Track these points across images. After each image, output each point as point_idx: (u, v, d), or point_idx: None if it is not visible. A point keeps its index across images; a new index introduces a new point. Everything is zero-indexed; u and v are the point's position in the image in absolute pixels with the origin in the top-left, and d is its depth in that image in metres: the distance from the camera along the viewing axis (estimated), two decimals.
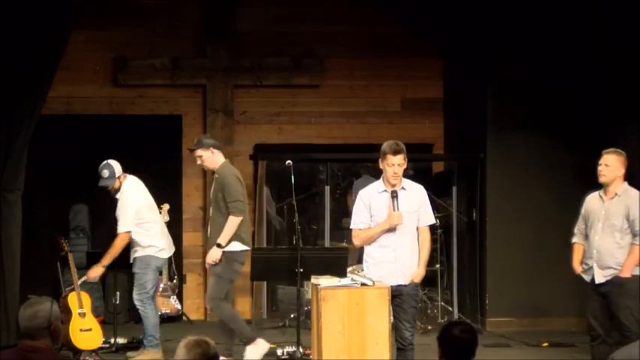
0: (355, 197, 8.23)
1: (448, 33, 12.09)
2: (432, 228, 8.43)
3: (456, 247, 11.65)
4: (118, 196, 9.67)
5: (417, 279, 8.00)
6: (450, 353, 4.90)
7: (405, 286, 7.91)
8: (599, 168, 8.29)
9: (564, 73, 11.07)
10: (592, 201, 8.40)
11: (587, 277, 8.31)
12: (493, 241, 11.46)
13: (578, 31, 10.34)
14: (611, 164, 8.25)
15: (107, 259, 9.54)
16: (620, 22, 9.74)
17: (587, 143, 11.08)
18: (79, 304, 9.57)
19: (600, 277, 8.20)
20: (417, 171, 11.60)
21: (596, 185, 8.45)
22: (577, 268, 8.43)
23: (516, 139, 11.43)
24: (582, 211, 8.46)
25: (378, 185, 8.01)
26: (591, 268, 8.26)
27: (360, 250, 10.39)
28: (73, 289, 9.62)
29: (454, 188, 11.67)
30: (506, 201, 11.45)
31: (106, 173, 9.58)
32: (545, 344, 10.54)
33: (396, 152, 7.82)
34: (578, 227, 8.49)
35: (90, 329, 9.51)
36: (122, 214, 9.61)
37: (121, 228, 9.59)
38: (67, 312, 9.43)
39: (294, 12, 12.15)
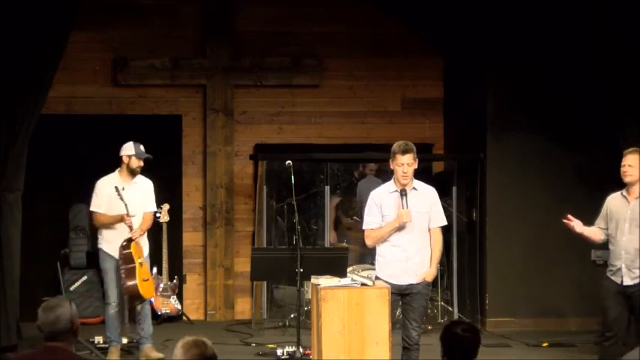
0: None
1: (448, 33, 12.09)
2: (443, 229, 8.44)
3: (456, 247, 11.65)
4: (137, 179, 9.65)
5: (429, 278, 8.08)
6: (452, 352, 4.89)
7: (415, 284, 7.94)
8: (623, 169, 8.21)
9: (564, 73, 11.07)
10: (615, 201, 8.31)
11: (616, 279, 8.23)
12: (493, 241, 11.46)
13: (577, 31, 10.34)
14: (634, 164, 8.18)
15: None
16: (620, 22, 9.75)
17: (587, 143, 11.12)
18: (139, 253, 9.49)
19: (628, 280, 8.14)
20: (417, 171, 11.59)
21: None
22: (579, 224, 8.36)
23: (516, 139, 11.43)
24: (604, 211, 8.35)
25: (389, 185, 8.07)
26: (620, 269, 8.18)
27: (361, 250, 10.42)
28: (131, 240, 9.41)
29: (454, 188, 11.66)
30: (506, 201, 11.45)
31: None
32: (545, 344, 10.54)
33: (404, 152, 7.89)
34: (598, 225, 8.43)
35: (147, 279, 9.52)
36: (151, 196, 9.71)
37: (153, 207, 9.72)
38: (129, 262, 9.38)
39: (294, 12, 12.15)
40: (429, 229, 8.05)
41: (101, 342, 9.99)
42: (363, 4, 12.18)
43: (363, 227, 8.16)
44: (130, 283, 9.32)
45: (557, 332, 11.03)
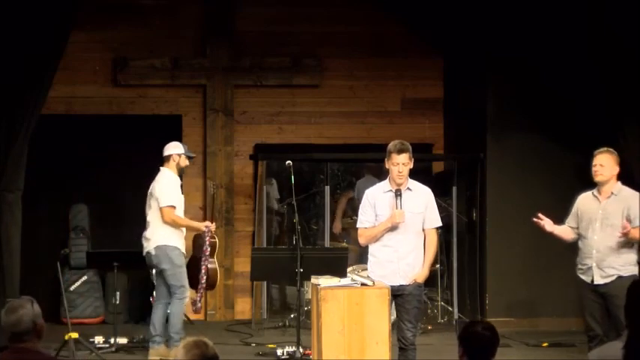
0: (356, 198, 8.25)
1: (448, 33, 12.09)
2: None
3: (456, 247, 11.65)
4: None
5: (420, 279, 8.00)
6: (472, 351, 4.85)
7: (407, 285, 7.91)
8: (595, 168, 8.29)
9: (564, 73, 11.07)
10: (586, 201, 8.38)
11: (586, 278, 8.27)
12: (493, 241, 11.46)
13: (577, 31, 10.34)
14: (605, 163, 8.26)
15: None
16: (620, 22, 9.74)
17: (587, 143, 11.06)
18: None
19: (599, 278, 8.18)
20: (417, 171, 11.58)
21: (597, 185, 8.45)
22: (549, 223, 8.41)
23: (516, 139, 11.43)
24: (574, 210, 8.42)
25: (384, 185, 8.03)
26: (590, 268, 8.23)
27: (360, 250, 10.42)
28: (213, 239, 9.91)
29: (454, 188, 11.66)
30: (506, 201, 11.45)
31: None
32: (545, 344, 10.54)
33: (400, 151, 7.84)
34: (568, 224, 8.47)
35: None
36: None
37: None
38: (213, 253, 9.92)
39: (294, 12, 12.15)
40: (424, 230, 8.01)
41: (101, 342, 9.99)
42: (363, 4, 12.18)
43: (357, 226, 8.15)
44: (214, 271, 9.75)
45: (557, 332, 11.02)
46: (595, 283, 8.19)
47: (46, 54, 9.69)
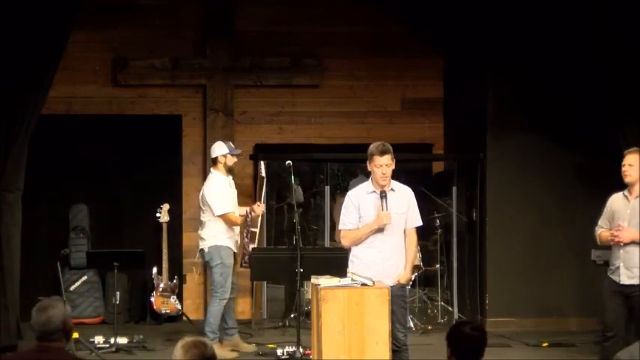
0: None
1: (448, 33, 12.10)
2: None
3: (456, 247, 11.65)
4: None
5: (403, 280, 7.96)
6: (459, 351, 4.85)
7: (391, 287, 7.88)
8: (624, 168, 8.21)
9: (564, 73, 11.08)
10: (617, 201, 8.30)
11: (615, 278, 8.20)
12: (493, 241, 11.46)
13: (577, 31, 10.34)
14: (635, 163, 8.18)
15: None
16: (620, 22, 9.75)
17: (588, 143, 11.12)
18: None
19: (626, 279, 8.11)
20: (417, 171, 11.60)
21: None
22: (607, 234, 8.26)
23: (516, 139, 11.43)
24: (606, 209, 8.33)
25: (367, 186, 7.99)
26: (618, 268, 8.16)
27: None
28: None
29: (454, 188, 11.67)
30: (506, 201, 11.45)
31: None
32: (545, 344, 10.54)
33: (382, 153, 7.82)
34: (602, 224, 8.38)
35: None
36: None
37: None
38: (254, 226, 10.02)
39: (294, 12, 12.15)
40: (405, 230, 7.97)
41: (101, 342, 10.00)
42: (363, 4, 12.18)
43: (340, 227, 8.09)
44: (253, 246, 9.80)
45: (557, 332, 11.03)
46: (622, 283, 8.13)
47: (46, 54, 9.70)
